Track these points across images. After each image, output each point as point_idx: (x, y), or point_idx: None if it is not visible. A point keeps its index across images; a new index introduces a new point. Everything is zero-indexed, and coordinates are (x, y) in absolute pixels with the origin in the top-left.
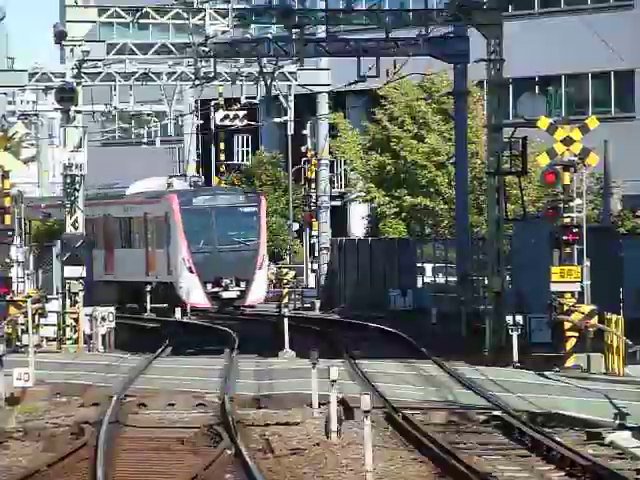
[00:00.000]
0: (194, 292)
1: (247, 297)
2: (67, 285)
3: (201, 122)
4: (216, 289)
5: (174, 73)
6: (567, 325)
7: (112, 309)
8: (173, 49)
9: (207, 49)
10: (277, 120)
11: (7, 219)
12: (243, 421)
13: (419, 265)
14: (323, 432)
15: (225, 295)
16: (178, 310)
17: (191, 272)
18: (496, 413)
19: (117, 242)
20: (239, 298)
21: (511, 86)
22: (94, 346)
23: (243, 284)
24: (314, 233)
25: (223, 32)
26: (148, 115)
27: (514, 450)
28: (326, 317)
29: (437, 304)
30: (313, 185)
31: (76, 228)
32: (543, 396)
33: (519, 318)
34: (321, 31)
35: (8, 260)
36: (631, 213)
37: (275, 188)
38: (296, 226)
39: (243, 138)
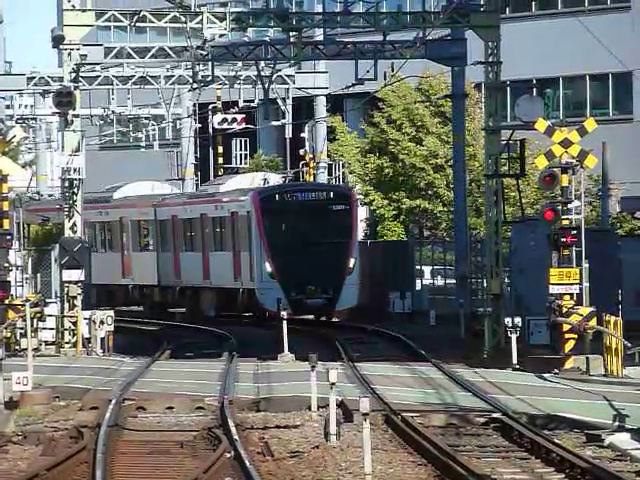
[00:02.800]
0: (275, 299)
1: (335, 305)
2: (65, 289)
3: (199, 125)
4: (300, 296)
5: (172, 76)
6: (566, 327)
7: (111, 312)
8: (171, 53)
9: (205, 52)
10: (275, 123)
11: (5, 223)
12: (242, 424)
13: (418, 267)
14: (322, 435)
15: (310, 303)
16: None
17: (272, 278)
18: (495, 415)
19: (211, 244)
20: (326, 306)
21: (509, 88)
22: (93, 349)
23: (331, 290)
24: None
25: (221, 35)
26: (146, 119)
27: (513, 452)
28: (325, 319)
29: (436, 306)
30: None
31: (75, 232)
32: (542, 398)
33: (518, 320)
34: (319, 34)
35: (7, 264)
36: (629, 215)
37: None
38: None
39: (241, 141)
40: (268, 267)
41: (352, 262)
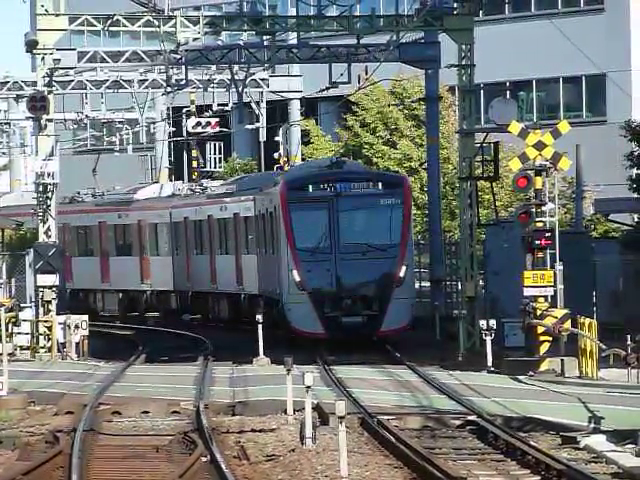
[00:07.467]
0: (305, 315)
1: (381, 324)
2: (40, 293)
3: (173, 129)
4: (336, 313)
5: (145, 80)
6: (540, 329)
7: (85, 317)
8: (144, 56)
9: (178, 56)
10: (249, 127)
11: None
12: (218, 428)
13: None
14: (298, 438)
15: (347, 322)
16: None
17: (301, 289)
18: (471, 418)
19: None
20: (367, 325)
21: (482, 91)
22: (68, 354)
23: (375, 306)
24: None
25: (194, 39)
26: (120, 123)
27: (489, 455)
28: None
29: None
30: None
31: (49, 236)
32: (517, 400)
33: (492, 322)
34: (292, 37)
35: None
36: (604, 217)
37: None
38: None
39: (215, 145)
40: (296, 276)
41: (403, 271)
